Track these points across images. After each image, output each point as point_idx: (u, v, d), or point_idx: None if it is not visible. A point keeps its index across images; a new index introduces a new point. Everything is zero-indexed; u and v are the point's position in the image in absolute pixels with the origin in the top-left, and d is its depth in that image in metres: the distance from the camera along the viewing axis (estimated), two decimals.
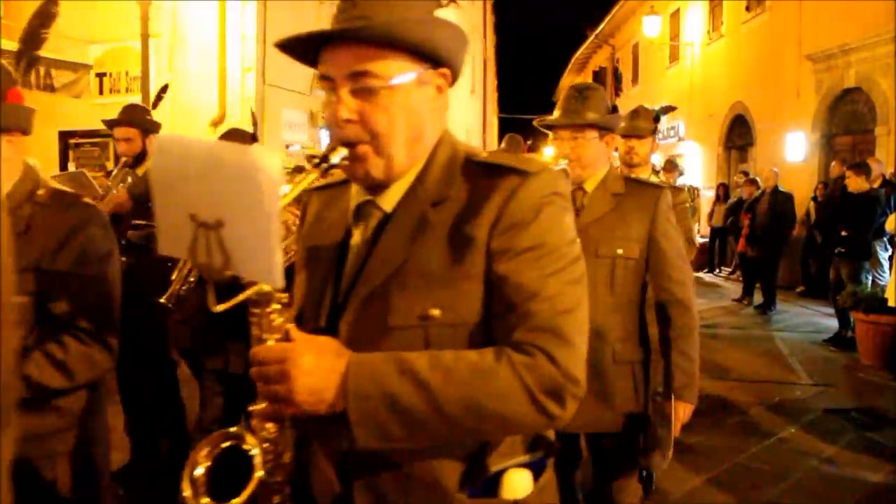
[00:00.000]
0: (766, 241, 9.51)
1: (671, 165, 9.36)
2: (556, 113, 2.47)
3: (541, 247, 1.11)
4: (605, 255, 2.33)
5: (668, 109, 4.30)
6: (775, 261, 9.63)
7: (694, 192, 9.24)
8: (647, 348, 2.43)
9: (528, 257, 1.11)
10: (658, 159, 11.08)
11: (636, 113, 3.92)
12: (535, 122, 2.61)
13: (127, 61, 9.35)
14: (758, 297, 9.94)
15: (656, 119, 3.95)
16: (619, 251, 2.32)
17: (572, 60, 29.43)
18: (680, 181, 8.96)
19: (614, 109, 2.50)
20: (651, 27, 17.75)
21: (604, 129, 2.43)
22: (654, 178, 3.95)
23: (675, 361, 2.35)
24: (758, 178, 11.09)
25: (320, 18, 12.24)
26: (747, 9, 14.63)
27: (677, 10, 18.64)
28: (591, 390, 2.11)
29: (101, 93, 9.32)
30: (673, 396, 2.36)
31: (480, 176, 1.18)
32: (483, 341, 1.12)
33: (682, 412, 2.38)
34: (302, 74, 12.25)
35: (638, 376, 2.40)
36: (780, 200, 9.50)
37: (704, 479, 4.04)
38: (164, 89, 4.79)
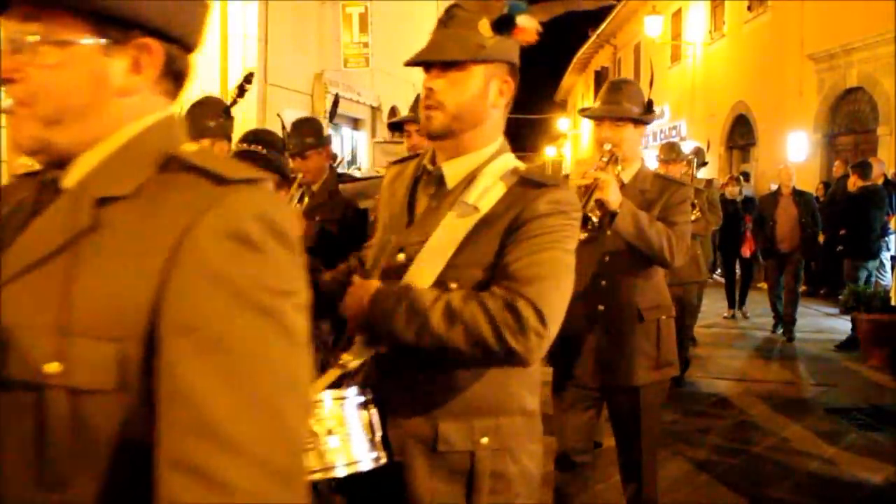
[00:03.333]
0: (798, 248, 7.88)
1: (669, 150, 5.99)
2: None
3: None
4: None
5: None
6: (801, 269, 8.23)
7: (710, 183, 6.95)
8: None
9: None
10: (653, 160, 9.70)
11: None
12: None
13: None
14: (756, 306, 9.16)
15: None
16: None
17: (574, 60, 29.38)
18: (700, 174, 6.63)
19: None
20: (653, 27, 17.74)
21: None
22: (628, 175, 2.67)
23: None
24: (741, 176, 10.74)
25: (321, 18, 12.25)
26: (749, 8, 14.62)
27: (679, 10, 18.62)
28: None
29: None
30: None
31: None
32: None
33: None
34: (303, 74, 12.26)
35: None
36: (806, 201, 7.98)
37: (706, 479, 4.03)
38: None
